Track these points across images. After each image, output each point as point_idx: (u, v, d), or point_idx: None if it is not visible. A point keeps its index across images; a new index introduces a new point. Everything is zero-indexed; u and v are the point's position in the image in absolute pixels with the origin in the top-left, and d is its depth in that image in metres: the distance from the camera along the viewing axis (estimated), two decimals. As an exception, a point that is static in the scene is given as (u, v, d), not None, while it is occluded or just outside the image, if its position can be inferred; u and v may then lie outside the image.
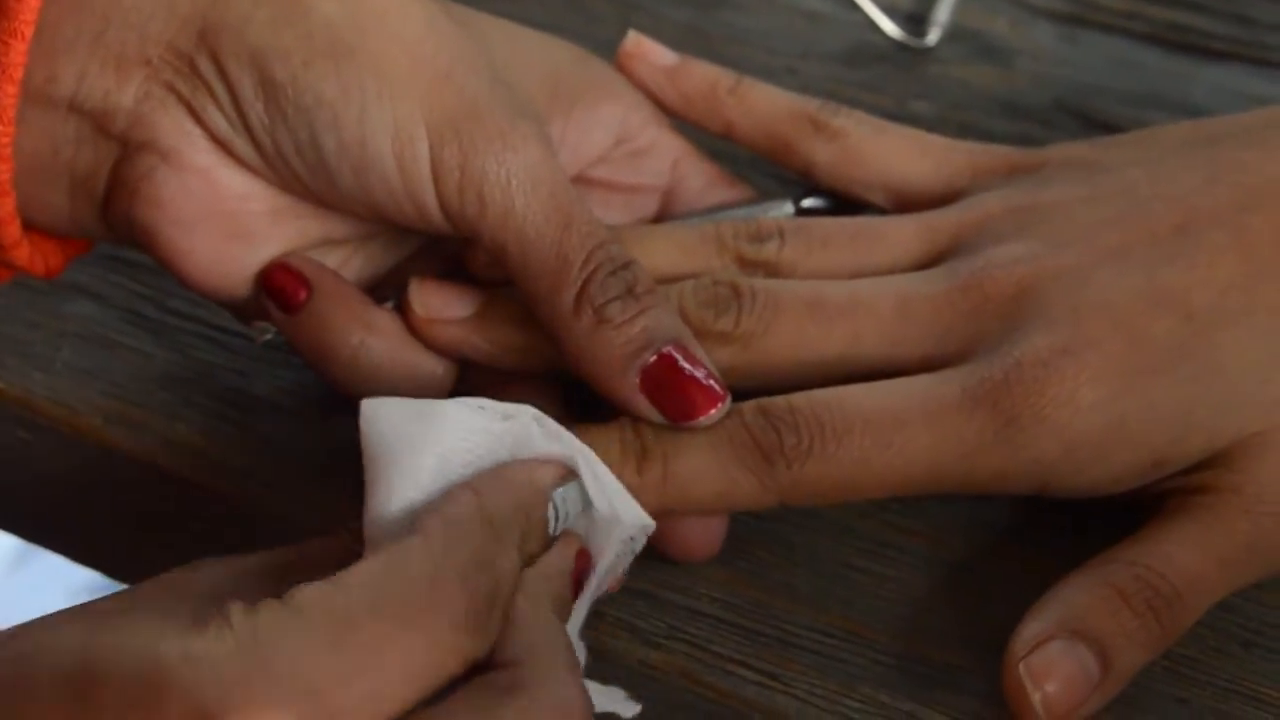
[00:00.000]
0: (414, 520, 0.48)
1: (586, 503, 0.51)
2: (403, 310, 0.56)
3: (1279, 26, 0.73)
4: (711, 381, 0.53)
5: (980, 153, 0.61)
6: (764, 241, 0.58)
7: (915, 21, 0.73)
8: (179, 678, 0.43)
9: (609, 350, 0.53)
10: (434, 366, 0.56)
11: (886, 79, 0.71)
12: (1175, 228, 0.56)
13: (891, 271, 0.58)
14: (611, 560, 0.52)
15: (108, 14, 0.54)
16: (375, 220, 0.56)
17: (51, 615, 0.46)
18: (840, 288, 0.56)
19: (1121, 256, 0.55)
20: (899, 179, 0.61)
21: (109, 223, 0.56)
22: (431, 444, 0.50)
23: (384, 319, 0.56)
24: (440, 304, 0.56)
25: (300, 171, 0.54)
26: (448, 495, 0.49)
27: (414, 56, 0.54)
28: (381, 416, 0.50)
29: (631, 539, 0.52)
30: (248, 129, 0.54)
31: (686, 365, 0.53)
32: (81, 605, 0.47)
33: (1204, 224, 0.56)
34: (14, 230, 0.55)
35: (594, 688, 0.50)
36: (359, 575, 0.45)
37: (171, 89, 0.54)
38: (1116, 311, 0.54)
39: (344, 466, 0.58)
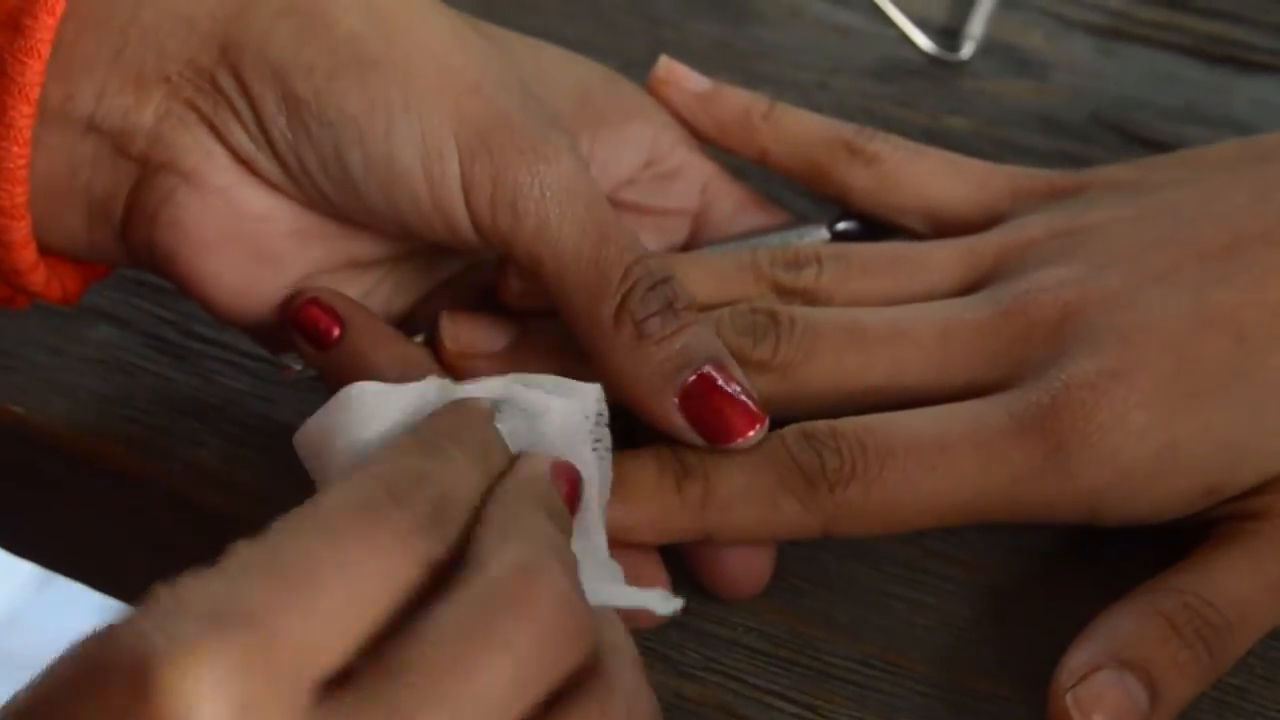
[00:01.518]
0: None
1: (531, 419, 0.50)
2: (434, 345, 0.55)
3: (1320, 38, 0.72)
4: (749, 401, 0.52)
5: (1020, 176, 0.60)
6: (801, 269, 0.57)
7: (949, 35, 0.72)
8: (104, 654, 0.41)
9: (649, 367, 0.52)
10: None
11: (920, 94, 0.70)
12: (1223, 248, 0.55)
13: (931, 297, 0.56)
14: (593, 455, 0.50)
15: (126, 31, 0.53)
16: (403, 238, 0.55)
17: None
18: (881, 315, 0.55)
19: (1168, 278, 0.54)
20: (937, 204, 0.60)
21: (128, 247, 0.55)
22: (350, 427, 0.49)
23: (418, 355, 0.55)
24: (472, 338, 0.55)
25: (325, 188, 0.53)
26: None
27: (441, 69, 0.53)
28: (311, 429, 0.51)
29: (598, 415, 0.51)
30: (271, 145, 0.53)
31: (725, 385, 0.52)
32: None
33: (1253, 243, 0.54)
34: (29, 254, 0.54)
35: (629, 592, 0.48)
36: (280, 522, 0.44)
37: (192, 106, 0.53)
38: (1165, 333, 0.53)
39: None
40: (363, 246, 0.56)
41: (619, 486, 0.52)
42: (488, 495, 0.47)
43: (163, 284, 0.62)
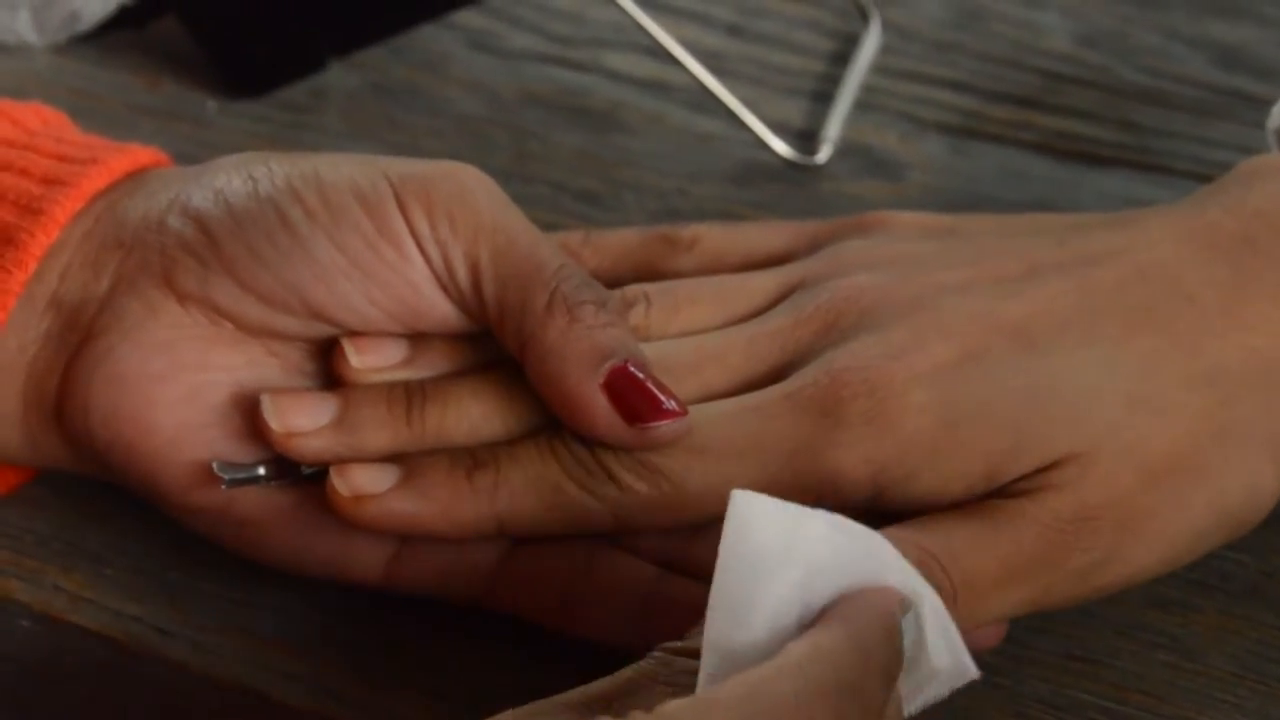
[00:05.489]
0: (778, 633, 0.47)
1: (916, 643, 0.49)
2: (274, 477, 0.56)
3: (1164, 132, 0.74)
4: (672, 401, 0.53)
5: (836, 220, 0.62)
6: (630, 307, 0.58)
7: (805, 138, 0.74)
8: None
9: (579, 345, 0.53)
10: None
11: (778, 197, 0.72)
12: (1021, 273, 0.57)
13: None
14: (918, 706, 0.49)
15: (99, 215, 0.56)
16: (351, 311, 0.55)
17: None
18: (687, 344, 0.57)
19: (965, 289, 0.56)
20: (763, 257, 0.61)
21: (62, 423, 0.56)
22: (799, 551, 0.48)
23: None
24: (297, 417, 0.55)
25: (271, 259, 0.55)
26: (819, 624, 0.47)
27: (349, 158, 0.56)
28: (753, 508, 0.48)
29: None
30: (221, 260, 0.55)
31: (647, 380, 0.54)
32: None
33: (1048, 271, 0.57)
34: None
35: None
36: (726, 692, 0.44)
37: (143, 265, 0.55)
38: (953, 330, 0.55)
39: (195, 602, 0.58)
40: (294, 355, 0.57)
41: (409, 479, 0.54)
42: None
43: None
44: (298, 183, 0.55)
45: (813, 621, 0.47)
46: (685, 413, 0.54)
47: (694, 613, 0.48)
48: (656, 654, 0.48)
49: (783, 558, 0.47)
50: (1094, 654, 0.56)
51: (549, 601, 0.55)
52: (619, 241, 0.62)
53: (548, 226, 0.66)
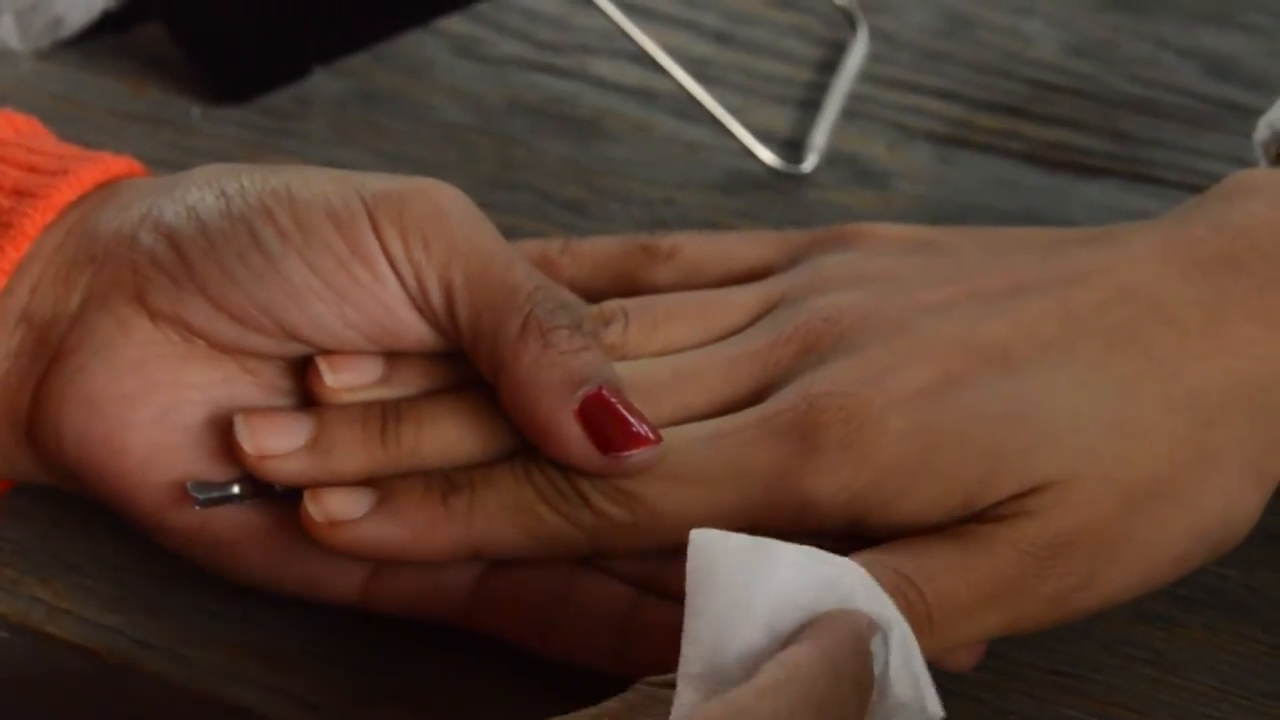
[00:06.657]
0: (751, 667, 0.46)
1: (883, 676, 0.48)
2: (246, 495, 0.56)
3: (1154, 141, 0.73)
4: (645, 427, 0.53)
5: (818, 230, 0.62)
6: (609, 324, 0.58)
7: (792, 147, 0.74)
8: None
9: (552, 373, 0.53)
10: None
11: (765, 206, 0.71)
12: (1002, 291, 0.56)
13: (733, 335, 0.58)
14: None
15: (70, 228, 0.56)
16: (321, 330, 0.55)
17: None
18: (666, 364, 0.57)
19: (945, 309, 0.56)
20: (743, 270, 0.61)
21: (33, 440, 0.56)
22: (765, 586, 0.48)
23: None
24: (272, 439, 0.55)
25: (242, 278, 0.54)
26: (792, 645, 0.47)
27: (327, 174, 0.56)
28: (714, 548, 0.48)
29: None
30: (192, 277, 0.54)
31: (620, 405, 0.53)
32: None
33: (1030, 291, 0.56)
34: None
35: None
36: (706, 712, 0.44)
37: (115, 281, 0.55)
38: (931, 351, 0.55)
39: (174, 613, 0.57)
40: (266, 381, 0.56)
41: (384, 504, 0.54)
42: None
43: None
44: (270, 200, 0.54)
45: (784, 646, 0.47)
46: (659, 440, 0.53)
47: (671, 635, 0.48)
48: (641, 686, 0.47)
49: (750, 592, 0.47)
50: (1077, 668, 0.56)
51: (527, 624, 0.55)
52: (598, 250, 0.62)
53: (533, 235, 0.66)
